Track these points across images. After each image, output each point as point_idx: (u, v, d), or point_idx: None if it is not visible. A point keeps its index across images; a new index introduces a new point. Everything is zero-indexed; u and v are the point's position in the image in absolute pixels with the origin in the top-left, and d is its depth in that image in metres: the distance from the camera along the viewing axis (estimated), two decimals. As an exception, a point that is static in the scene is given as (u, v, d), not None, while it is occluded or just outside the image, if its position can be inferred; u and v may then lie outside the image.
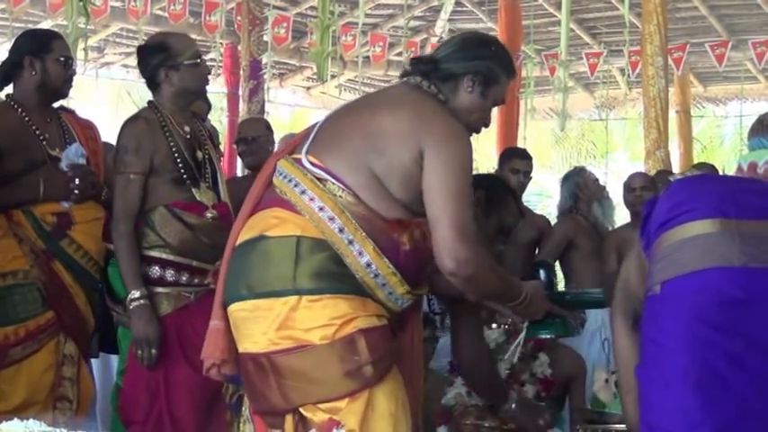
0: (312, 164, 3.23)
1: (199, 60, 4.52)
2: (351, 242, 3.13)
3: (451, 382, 4.85)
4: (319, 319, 3.09)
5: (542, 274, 4.07)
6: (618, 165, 20.54)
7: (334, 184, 3.18)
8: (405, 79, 3.46)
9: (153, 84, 4.53)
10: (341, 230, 3.13)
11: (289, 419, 3.16)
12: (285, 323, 3.11)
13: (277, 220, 3.21)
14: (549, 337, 4.35)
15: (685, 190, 3.28)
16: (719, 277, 3.02)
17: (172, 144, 4.42)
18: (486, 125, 3.50)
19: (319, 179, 3.20)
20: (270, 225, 3.22)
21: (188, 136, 4.51)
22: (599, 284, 7.26)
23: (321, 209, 3.15)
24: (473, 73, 3.40)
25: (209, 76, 4.67)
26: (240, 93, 12.81)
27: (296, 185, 3.21)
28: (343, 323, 3.09)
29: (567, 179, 7.94)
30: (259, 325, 3.16)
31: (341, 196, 3.17)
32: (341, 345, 3.08)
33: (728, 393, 3.03)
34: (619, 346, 3.44)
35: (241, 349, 3.24)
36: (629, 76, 12.31)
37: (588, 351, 6.89)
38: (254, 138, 6.61)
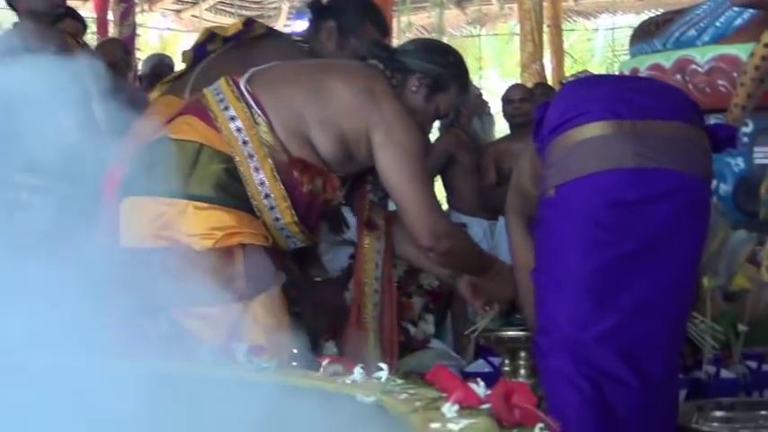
0: (244, 88, 3.26)
1: None
2: (251, 156, 3.15)
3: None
4: (203, 226, 3.10)
5: None
6: (489, 81, 20.61)
7: (255, 109, 3.21)
8: (362, 60, 3.50)
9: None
10: (245, 143, 3.16)
11: (161, 321, 3.14)
12: (170, 224, 3.12)
13: (185, 126, 3.23)
14: None
15: (577, 92, 3.29)
16: (613, 179, 3.04)
17: None
18: (425, 131, 3.52)
19: (244, 101, 3.23)
20: (177, 129, 3.24)
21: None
22: (479, 198, 7.34)
23: (233, 118, 3.18)
24: (423, 73, 3.41)
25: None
26: (110, 17, 12.51)
27: (221, 100, 3.24)
28: (226, 235, 3.10)
29: None
30: (144, 222, 3.16)
31: (258, 123, 3.19)
32: (219, 254, 3.08)
33: (623, 295, 3.06)
34: (515, 246, 3.47)
35: (122, 243, 3.22)
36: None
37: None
38: (112, 63, 6.45)
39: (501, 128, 8.14)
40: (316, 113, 3.22)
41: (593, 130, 3.08)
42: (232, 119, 3.19)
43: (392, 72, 3.40)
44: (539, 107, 3.32)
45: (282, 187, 3.16)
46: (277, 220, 3.20)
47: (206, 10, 15.38)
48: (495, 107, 8.15)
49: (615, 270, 3.05)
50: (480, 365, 4.84)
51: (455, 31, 17.93)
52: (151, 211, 3.16)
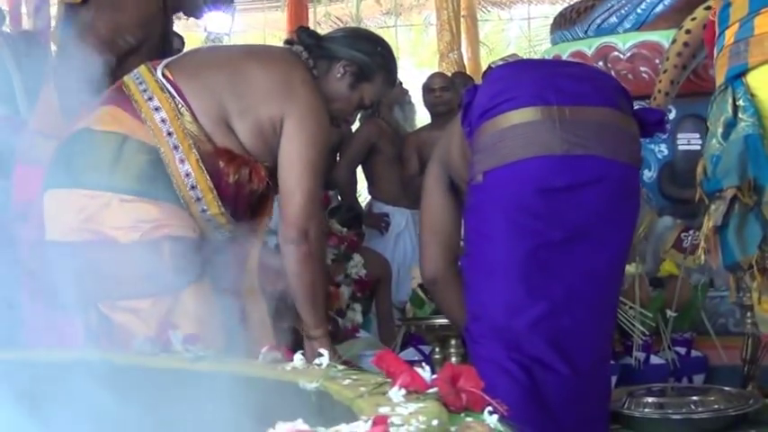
0: (164, 76, 3.21)
1: None
2: (176, 147, 3.11)
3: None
4: (128, 219, 3.06)
5: None
6: (405, 71, 20.64)
7: (178, 99, 3.17)
8: (287, 46, 3.47)
9: None
10: (169, 134, 3.12)
11: (91, 314, 3.09)
12: (95, 217, 3.07)
13: (109, 117, 3.18)
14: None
15: (506, 77, 3.26)
16: (541, 166, 3.02)
17: None
18: (348, 121, 3.49)
19: (167, 91, 3.19)
20: (100, 120, 3.18)
21: None
22: (401, 188, 7.31)
23: (157, 109, 3.14)
24: (348, 61, 3.39)
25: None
26: (23, 10, 12.30)
27: (144, 90, 3.19)
28: (152, 228, 3.06)
29: None
30: (68, 214, 3.11)
31: (182, 113, 3.16)
32: (145, 247, 3.04)
33: (552, 281, 3.04)
34: (432, 203, 3.41)
35: (47, 237, 3.16)
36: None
37: (393, 254, 6.95)
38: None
39: (421, 117, 8.09)
40: (235, 102, 3.20)
41: (521, 116, 3.05)
42: (156, 109, 3.14)
43: (317, 59, 3.37)
44: (467, 91, 3.29)
45: (208, 178, 3.12)
46: (204, 211, 3.16)
47: None
48: (415, 97, 8.12)
49: (544, 257, 3.03)
50: (410, 354, 4.82)
51: (370, 21, 17.97)
52: (75, 204, 3.10)
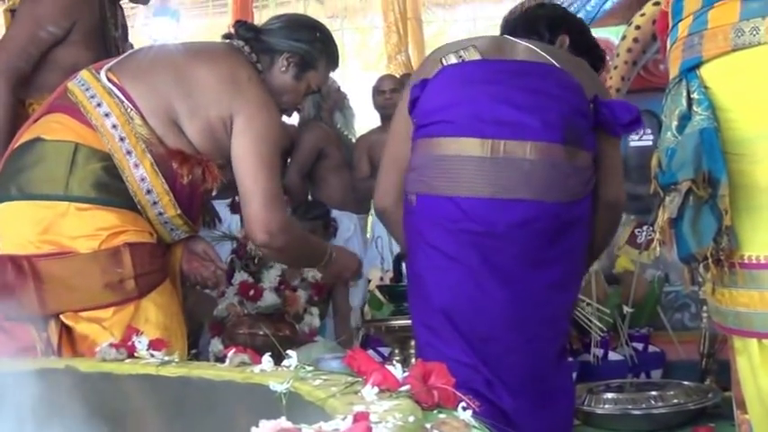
0: (109, 80, 3.18)
1: None
2: (129, 153, 3.09)
3: (223, 292, 4.77)
4: (86, 228, 3.03)
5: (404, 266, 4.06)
6: (351, 74, 20.61)
7: (127, 104, 3.13)
8: (227, 41, 3.43)
9: None
10: (122, 139, 3.09)
11: (52, 325, 3.05)
12: (51, 228, 3.03)
13: (58, 126, 3.14)
14: None
15: (453, 87, 3.15)
16: (469, 206, 2.98)
17: None
18: (298, 110, 3.47)
19: (115, 96, 3.15)
20: (49, 129, 3.14)
21: None
22: (348, 192, 7.30)
23: (107, 115, 3.11)
24: (290, 53, 3.38)
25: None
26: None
27: (92, 96, 3.15)
28: (110, 235, 3.04)
29: None
30: (24, 227, 3.06)
31: (132, 117, 3.12)
32: (104, 256, 3.02)
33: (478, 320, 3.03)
34: (399, 130, 3.35)
35: (2, 251, 3.11)
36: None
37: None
38: None
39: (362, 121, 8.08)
40: (183, 103, 3.17)
41: (455, 146, 3.02)
42: (107, 115, 3.11)
43: (258, 52, 3.35)
44: (415, 86, 3.21)
45: (164, 181, 3.10)
46: (161, 214, 3.15)
47: None
48: (361, 100, 8.11)
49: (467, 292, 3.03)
50: (369, 356, 4.79)
51: (316, 25, 17.93)
52: (31, 216, 3.06)
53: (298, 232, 3.43)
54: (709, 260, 2.45)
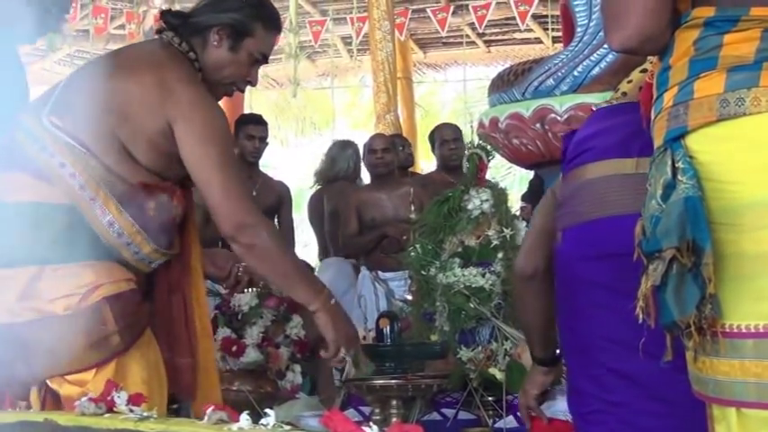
0: (52, 124, 3.08)
1: None
2: (92, 199, 3.03)
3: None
4: (62, 288, 2.98)
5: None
6: (340, 133, 20.72)
7: (77, 148, 3.05)
8: (158, 36, 3.34)
9: None
10: (81, 187, 3.02)
11: (34, 392, 3.02)
12: (27, 293, 2.98)
13: (16, 186, 3.06)
14: None
15: (596, 121, 3.11)
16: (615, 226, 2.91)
17: None
18: (250, 82, 3.39)
19: (63, 142, 3.06)
20: (6, 190, 3.06)
21: None
22: (343, 248, 7.35)
23: (62, 165, 3.03)
24: (219, 26, 3.28)
25: None
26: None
27: (43, 148, 3.06)
28: (88, 292, 2.99)
29: (346, 147, 8.01)
30: (2, 295, 2.99)
31: (87, 161, 3.04)
32: (85, 314, 2.97)
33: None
34: (546, 204, 3.24)
35: None
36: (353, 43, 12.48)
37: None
38: None
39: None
40: (123, 129, 3.09)
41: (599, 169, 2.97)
42: (62, 165, 3.04)
43: (189, 37, 3.27)
44: (565, 136, 3.18)
45: (132, 221, 3.04)
46: (137, 253, 3.10)
47: (55, 62, 15.12)
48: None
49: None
50: (351, 415, 4.78)
51: (307, 83, 18.04)
52: (4, 285, 2.99)
53: (274, 237, 3.24)
54: (692, 328, 2.45)
